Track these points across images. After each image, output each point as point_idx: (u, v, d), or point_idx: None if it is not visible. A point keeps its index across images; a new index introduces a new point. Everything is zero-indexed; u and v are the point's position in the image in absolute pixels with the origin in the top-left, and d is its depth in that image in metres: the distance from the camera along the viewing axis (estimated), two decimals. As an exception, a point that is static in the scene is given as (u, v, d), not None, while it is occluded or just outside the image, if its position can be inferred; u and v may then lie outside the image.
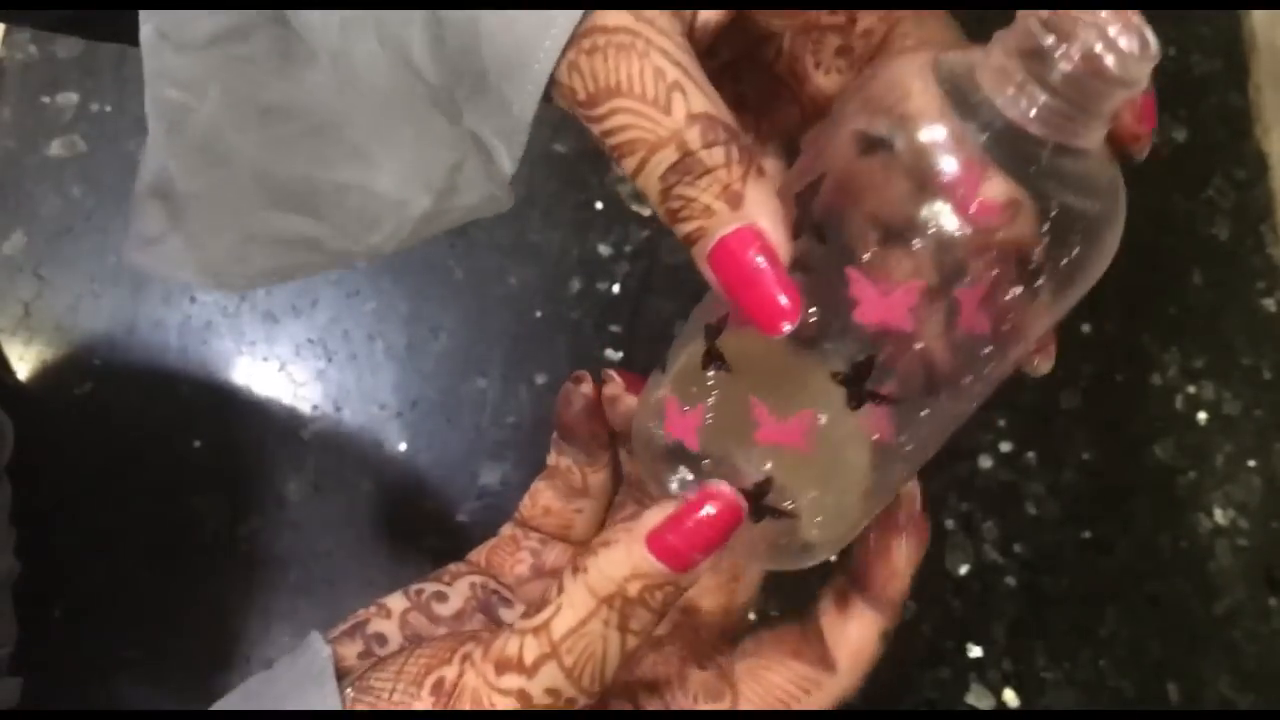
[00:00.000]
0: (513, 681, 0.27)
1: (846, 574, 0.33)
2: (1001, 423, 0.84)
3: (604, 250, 0.87)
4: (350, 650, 0.32)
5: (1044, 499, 0.83)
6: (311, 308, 0.84)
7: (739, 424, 0.28)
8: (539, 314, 0.85)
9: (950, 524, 0.82)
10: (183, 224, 0.30)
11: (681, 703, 0.32)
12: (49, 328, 0.83)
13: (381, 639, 0.32)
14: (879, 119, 0.26)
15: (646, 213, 0.88)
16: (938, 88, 0.26)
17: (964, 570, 0.81)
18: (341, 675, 0.30)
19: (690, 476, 0.29)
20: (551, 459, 0.36)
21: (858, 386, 0.27)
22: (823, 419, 0.27)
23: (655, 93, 0.25)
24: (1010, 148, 0.26)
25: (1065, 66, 0.25)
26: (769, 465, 0.28)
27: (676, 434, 0.29)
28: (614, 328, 0.84)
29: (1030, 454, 0.84)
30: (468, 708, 0.27)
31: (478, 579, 0.35)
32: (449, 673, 0.28)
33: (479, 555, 0.36)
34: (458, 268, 0.86)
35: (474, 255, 0.86)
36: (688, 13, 0.26)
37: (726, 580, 0.35)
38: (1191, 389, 0.86)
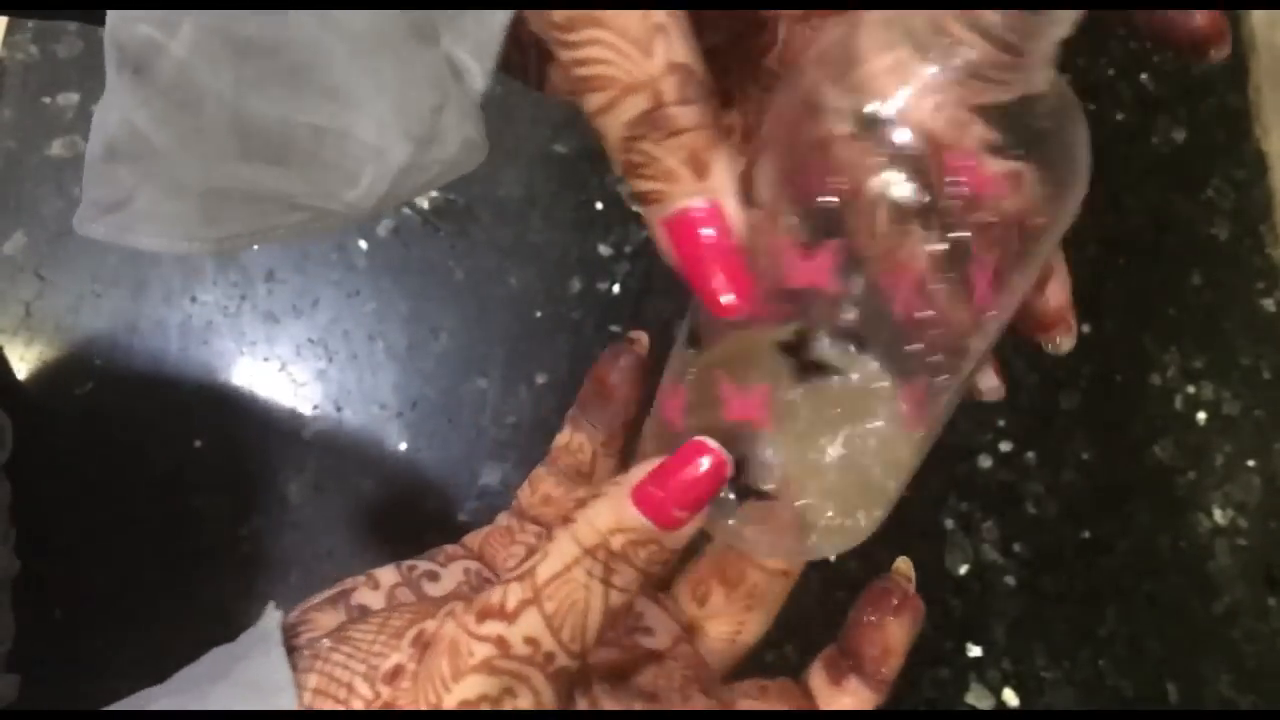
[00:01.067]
0: (493, 628, 0.27)
1: (839, 643, 0.33)
2: (1001, 423, 0.84)
3: (604, 250, 0.87)
4: (330, 619, 0.31)
5: (1044, 499, 0.83)
6: (312, 308, 0.84)
7: (710, 401, 0.28)
8: (539, 314, 0.85)
9: (950, 524, 0.82)
10: (147, 184, 0.29)
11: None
12: (50, 328, 0.83)
13: (365, 611, 0.32)
14: (840, 90, 0.26)
15: (646, 213, 0.88)
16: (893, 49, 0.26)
17: (964, 570, 0.81)
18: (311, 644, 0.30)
19: None
20: (561, 438, 0.35)
21: (802, 355, 0.27)
22: (777, 392, 0.27)
23: (638, 32, 0.24)
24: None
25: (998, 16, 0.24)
26: (742, 444, 0.28)
27: (666, 415, 0.29)
28: (614, 328, 0.84)
29: (1030, 454, 0.84)
30: (444, 656, 0.27)
31: (472, 565, 0.34)
32: (430, 625, 0.28)
33: (474, 541, 0.36)
34: (458, 268, 0.86)
35: (474, 255, 0.86)
36: None
37: (738, 610, 0.35)
38: (1191, 389, 0.86)
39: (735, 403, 0.27)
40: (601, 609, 0.27)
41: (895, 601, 0.32)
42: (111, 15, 0.27)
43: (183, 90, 0.27)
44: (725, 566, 0.34)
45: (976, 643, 0.80)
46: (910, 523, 0.85)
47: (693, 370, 0.28)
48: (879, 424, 0.29)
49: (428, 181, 0.29)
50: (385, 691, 0.27)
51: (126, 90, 0.27)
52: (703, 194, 0.24)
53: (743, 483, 0.28)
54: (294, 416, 0.82)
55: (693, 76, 0.24)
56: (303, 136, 0.27)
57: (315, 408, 0.82)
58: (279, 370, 0.83)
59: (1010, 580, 0.81)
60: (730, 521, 0.28)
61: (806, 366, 0.27)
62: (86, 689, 0.72)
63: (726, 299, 0.24)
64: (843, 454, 0.28)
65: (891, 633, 0.32)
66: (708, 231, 0.24)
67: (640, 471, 0.27)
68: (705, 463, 0.27)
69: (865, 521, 0.31)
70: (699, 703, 0.31)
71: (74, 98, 0.88)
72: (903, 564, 0.32)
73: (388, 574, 0.33)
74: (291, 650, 0.29)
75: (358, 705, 0.27)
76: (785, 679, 0.33)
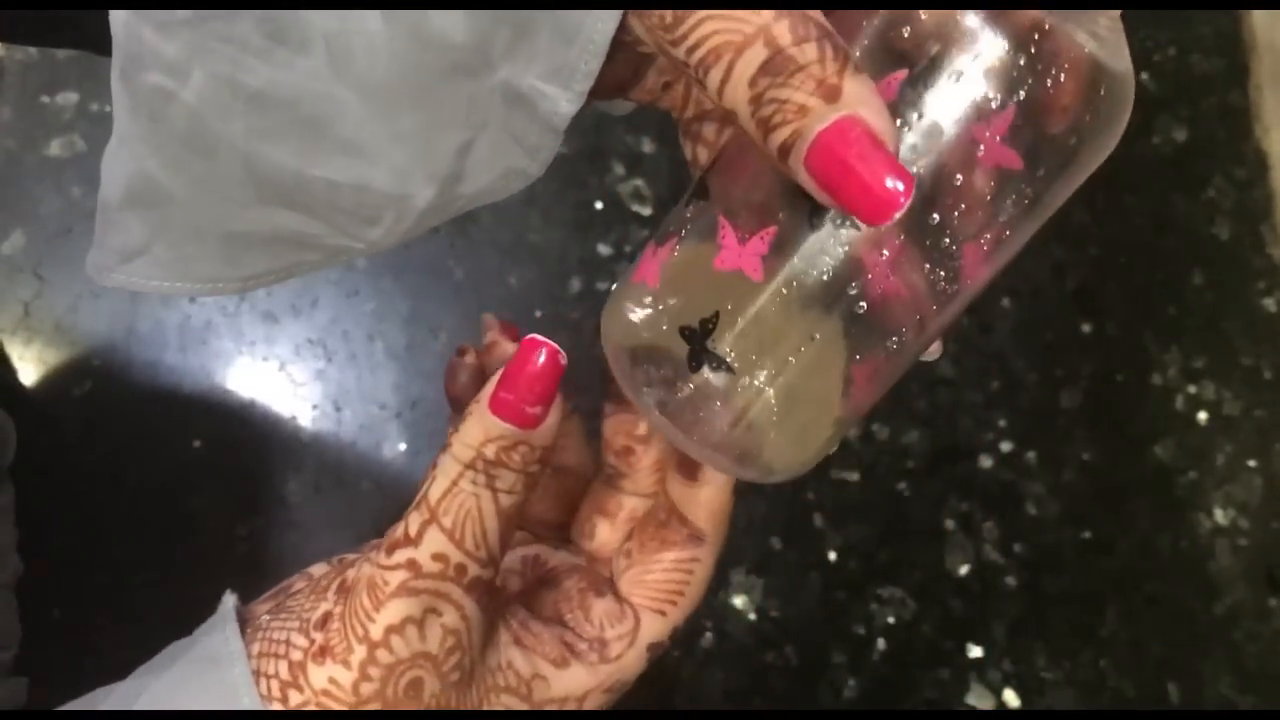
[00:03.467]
0: (401, 555, 0.29)
1: (676, 462, 0.33)
2: (1001, 423, 0.84)
3: (604, 250, 0.87)
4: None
5: (1044, 499, 0.83)
6: (311, 308, 0.84)
7: (702, 250, 0.27)
8: (539, 314, 0.85)
9: (950, 524, 0.82)
10: (166, 231, 0.29)
11: (588, 632, 0.32)
12: (49, 328, 0.83)
13: None
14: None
15: (647, 212, 0.88)
16: None
17: (964, 570, 0.81)
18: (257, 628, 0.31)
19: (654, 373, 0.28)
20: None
21: (820, 215, 0.26)
22: (781, 244, 0.26)
23: None
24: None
25: None
26: (719, 300, 0.27)
27: (640, 277, 0.28)
28: (614, 328, 0.84)
29: (1030, 454, 0.84)
30: (363, 592, 0.29)
31: None
32: (351, 573, 0.30)
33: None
34: (458, 268, 0.86)
35: (474, 255, 0.86)
36: None
37: (622, 538, 0.35)
38: (1192, 389, 0.86)
39: (731, 249, 0.26)
40: (495, 512, 0.29)
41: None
42: (118, 61, 0.26)
43: (196, 137, 0.26)
44: (603, 501, 0.35)
45: (977, 643, 0.80)
46: (910, 523, 0.85)
47: (690, 223, 0.27)
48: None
49: (459, 209, 0.29)
50: (318, 636, 0.29)
51: (140, 137, 0.27)
52: (836, 114, 0.23)
53: (704, 347, 0.27)
54: (293, 416, 0.82)
55: (805, 18, 0.23)
56: (317, 186, 0.27)
57: (314, 408, 0.82)
58: (278, 370, 0.83)
59: (1011, 580, 0.81)
60: (676, 394, 0.27)
61: (821, 213, 0.25)
62: (84, 688, 0.72)
63: (884, 199, 0.22)
64: (820, 348, 0.27)
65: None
66: (849, 141, 0.22)
67: (491, 385, 0.29)
68: (541, 356, 0.28)
69: (807, 448, 0.29)
70: (597, 607, 0.33)
71: (73, 97, 0.88)
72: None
73: (320, 569, 0.33)
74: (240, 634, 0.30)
75: (296, 656, 0.29)
76: (639, 528, 0.34)
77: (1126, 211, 0.90)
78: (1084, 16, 0.26)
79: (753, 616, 0.78)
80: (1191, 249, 0.90)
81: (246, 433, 0.81)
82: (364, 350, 0.84)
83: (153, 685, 0.29)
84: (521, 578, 0.35)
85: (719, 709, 0.76)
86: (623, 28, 0.25)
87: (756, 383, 0.27)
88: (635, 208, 0.88)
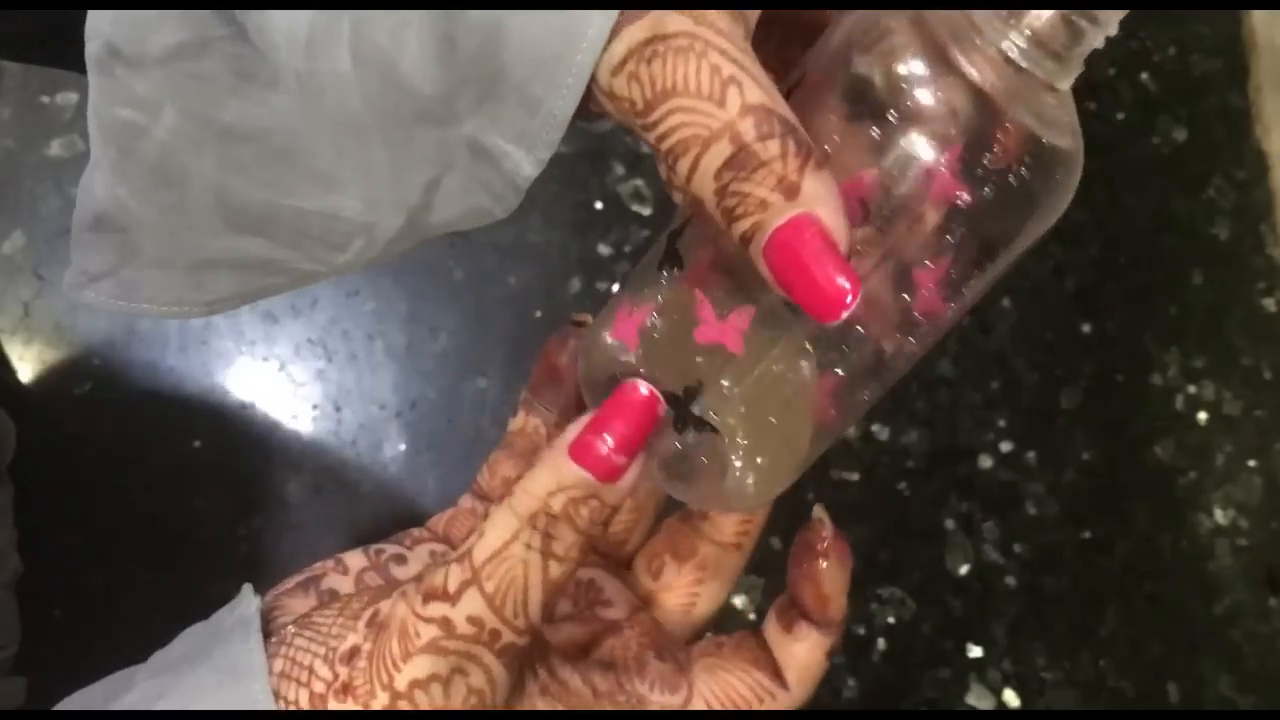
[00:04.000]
0: (437, 609, 0.27)
1: (785, 596, 0.33)
2: (1001, 423, 0.84)
3: (604, 250, 0.87)
4: (301, 605, 0.32)
5: (1044, 499, 0.83)
6: (311, 308, 0.84)
7: (681, 322, 0.28)
8: (539, 314, 0.85)
9: (950, 524, 0.82)
10: (134, 255, 0.29)
11: (637, 688, 0.31)
12: (49, 328, 0.83)
13: (334, 596, 0.32)
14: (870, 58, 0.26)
15: (647, 212, 0.88)
16: (923, 29, 0.26)
17: (964, 570, 0.81)
18: (283, 629, 0.30)
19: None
20: (516, 422, 0.35)
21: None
22: (759, 320, 0.27)
23: (710, 89, 0.24)
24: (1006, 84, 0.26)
25: (1045, 12, 0.25)
26: (701, 369, 0.28)
27: (618, 335, 0.29)
28: (614, 328, 0.84)
29: (1030, 454, 0.84)
30: (394, 637, 0.28)
31: (438, 547, 0.35)
32: (385, 606, 0.29)
33: (438, 524, 0.36)
34: (458, 268, 0.86)
35: (474, 255, 0.86)
36: (750, 13, 0.26)
37: (690, 583, 0.35)
38: (1192, 389, 0.86)
39: (710, 325, 0.27)
40: (541, 583, 0.27)
41: (820, 546, 0.32)
42: (93, 94, 0.27)
43: (166, 169, 0.27)
44: (677, 541, 0.35)
45: (977, 643, 0.80)
46: (910, 523, 0.86)
47: (666, 291, 0.28)
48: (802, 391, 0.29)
49: (426, 237, 0.29)
50: (343, 672, 0.28)
51: (111, 166, 0.27)
52: (793, 211, 0.23)
53: (690, 411, 0.27)
54: (293, 416, 0.82)
55: (770, 113, 0.24)
56: (287, 215, 0.27)
57: (314, 408, 0.82)
58: (278, 370, 0.83)
59: (1011, 580, 0.81)
60: (663, 450, 0.28)
61: (792, 305, 0.26)
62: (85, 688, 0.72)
63: (831, 299, 0.23)
64: (792, 399, 0.28)
65: (827, 576, 0.32)
66: (802, 240, 0.23)
67: (575, 428, 0.27)
68: (640, 401, 0.27)
69: (780, 484, 0.30)
70: (653, 667, 0.32)
71: (73, 97, 0.88)
72: (818, 510, 0.32)
73: (356, 558, 0.33)
74: (266, 636, 0.29)
75: (319, 687, 0.28)
76: (742, 632, 0.34)
77: (1126, 211, 0.90)
78: (1031, 97, 0.27)
79: (753, 616, 0.79)
80: (1191, 249, 0.90)
81: (246, 433, 0.81)
82: (364, 350, 0.84)
83: (172, 691, 0.29)
84: (573, 602, 0.34)
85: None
86: (591, 99, 0.25)
87: (739, 440, 0.28)
88: (635, 208, 0.88)
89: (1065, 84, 0.27)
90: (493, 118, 0.26)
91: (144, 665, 0.31)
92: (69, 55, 0.30)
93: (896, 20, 0.26)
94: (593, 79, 0.25)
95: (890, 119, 0.26)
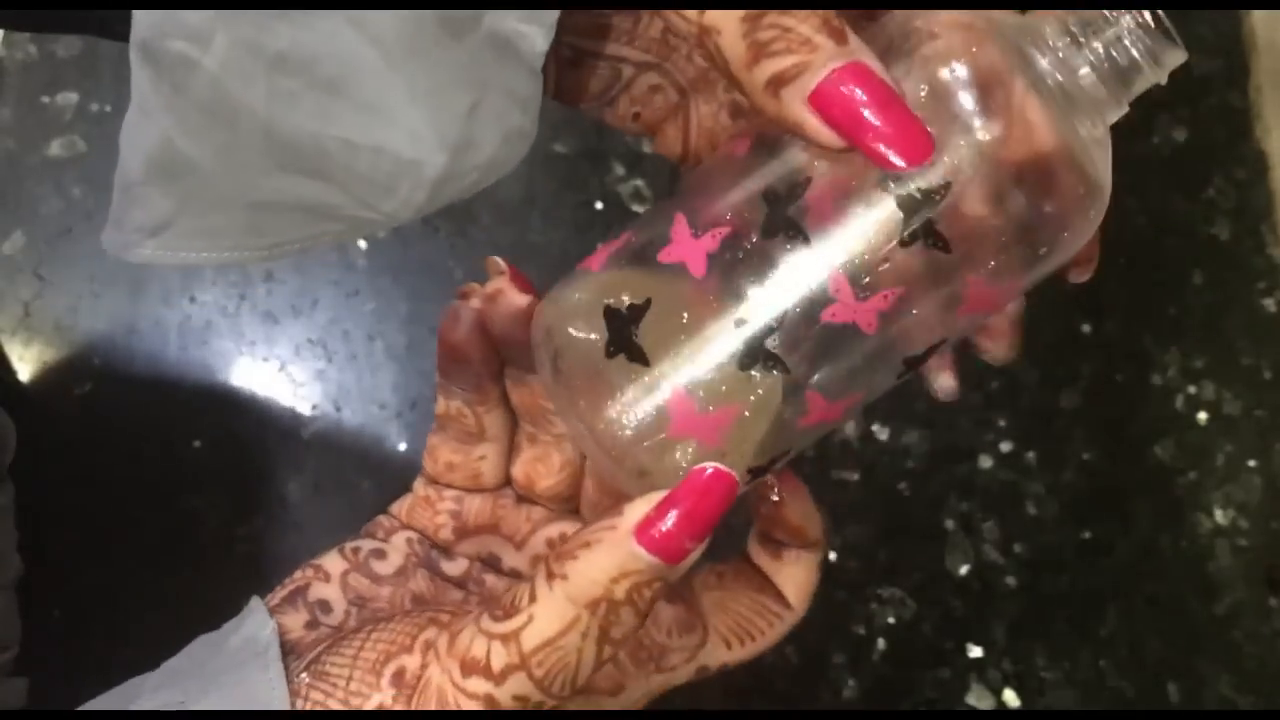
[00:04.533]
0: (479, 686, 0.26)
1: (757, 536, 0.33)
2: (1001, 423, 0.84)
3: (604, 250, 0.87)
4: (295, 621, 0.31)
5: (1044, 499, 0.83)
6: (311, 308, 0.84)
7: (652, 243, 0.27)
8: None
9: (950, 524, 0.82)
10: (191, 201, 0.28)
11: (655, 637, 0.31)
12: (49, 328, 0.83)
13: (325, 605, 0.32)
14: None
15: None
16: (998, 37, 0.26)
17: (964, 570, 0.81)
18: (288, 651, 0.29)
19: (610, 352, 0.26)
20: (440, 406, 0.33)
21: (774, 225, 0.25)
22: (733, 236, 0.25)
23: None
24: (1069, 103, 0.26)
25: (1115, 34, 0.25)
26: (654, 289, 0.26)
27: (586, 264, 0.28)
28: (614, 328, 0.84)
29: (1030, 454, 0.84)
30: (433, 706, 0.26)
31: (411, 534, 0.34)
32: (410, 663, 0.27)
33: (400, 510, 0.35)
34: (458, 268, 0.86)
35: (474, 255, 0.86)
36: None
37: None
38: (1192, 389, 0.86)
39: (680, 244, 0.26)
40: (594, 664, 0.26)
41: (770, 485, 0.31)
42: (139, 30, 0.26)
43: (218, 104, 0.26)
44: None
45: (977, 643, 0.80)
46: (910, 523, 0.86)
47: (650, 215, 0.27)
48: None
49: (468, 186, 0.29)
50: None
51: (162, 107, 0.27)
52: (847, 56, 0.23)
53: (628, 332, 0.26)
54: (293, 416, 0.82)
55: None
56: (336, 150, 0.27)
57: (315, 408, 0.82)
58: (278, 370, 0.83)
59: (1011, 581, 0.81)
60: (587, 380, 0.26)
61: (769, 228, 0.25)
62: (85, 688, 0.71)
63: (913, 145, 0.23)
64: (747, 378, 0.25)
65: (789, 510, 0.32)
66: (864, 89, 0.22)
67: (638, 511, 0.25)
68: (719, 485, 0.25)
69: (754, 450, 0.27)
70: (665, 612, 0.31)
71: (73, 97, 0.88)
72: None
73: (335, 562, 0.32)
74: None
75: None
76: (736, 560, 0.33)
77: (1126, 211, 0.90)
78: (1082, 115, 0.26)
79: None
80: (1191, 249, 0.90)
81: (246, 433, 0.81)
82: (364, 350, 0.84)
83: (191, 707, 0.28)
84: None
85: (719, 709, 0.76)
86: None
87: (666, 382, 0.25)
88: (635, 208, 0.88)
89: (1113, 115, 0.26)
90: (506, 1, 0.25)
91: (153, 676, 0.31)
92: (88, 15, 0.30)
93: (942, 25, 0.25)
94: None
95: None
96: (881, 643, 0.79)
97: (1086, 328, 0.88)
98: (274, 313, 0.84)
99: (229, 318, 0.84)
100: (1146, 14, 0.26)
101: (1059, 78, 0.26)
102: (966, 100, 0.25)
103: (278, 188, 0.28)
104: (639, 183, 0.88)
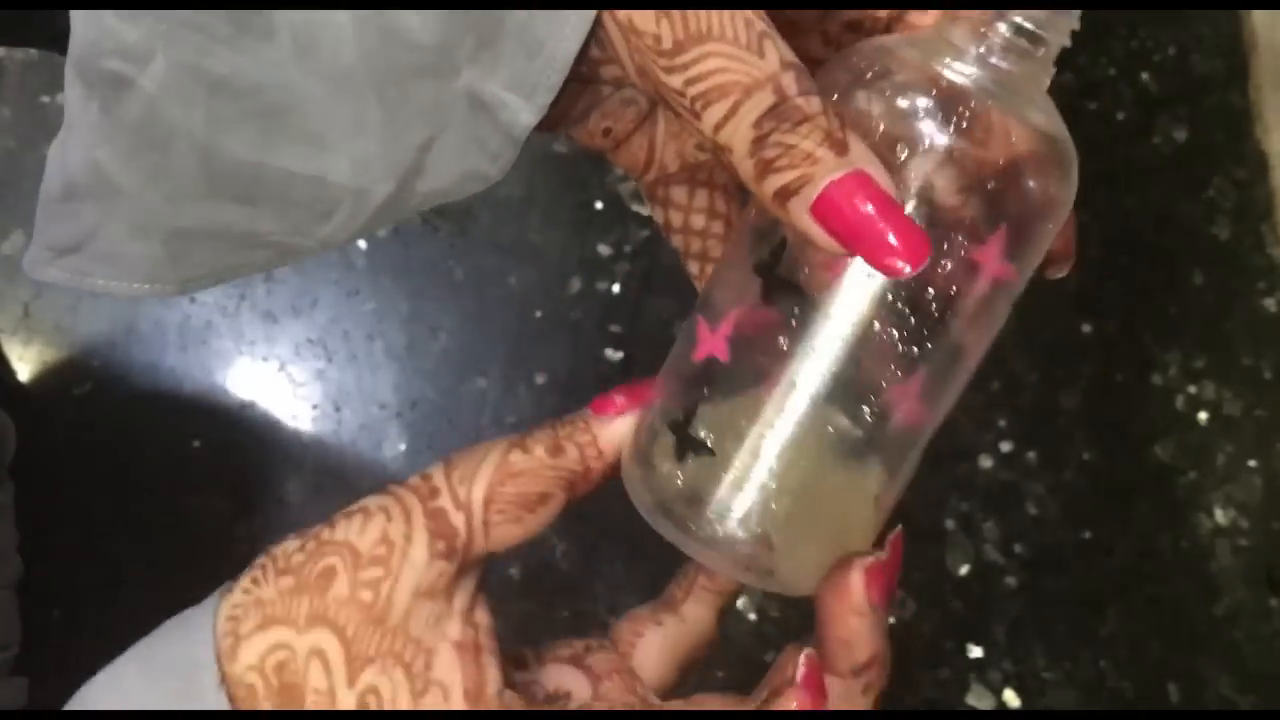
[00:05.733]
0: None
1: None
2: (1001, 423, 0.84)
3: (604, 250, 0.87)
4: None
5: (1044, 499, 0.83)
6: (311, 308, 0.84)
7: (684, 352, 0.28)
8: (539, 314, 0.85)
9: (950, 524, 0.82)
10: (109, 224, 0.28)
11: None
12: (49, 328, 0.83)
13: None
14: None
15: (647, 212, 0.88)
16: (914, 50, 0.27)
17: (964, 570, 0.81)
18: None
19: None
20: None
21: (771, 297, 0.27)
22: (742, 317, 0.27)
23: (747, 39, 0.24)
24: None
25: (1015, 18, 0.26)
26: (698, 389, 0.27)
27: (653, 393, 0.29)
28: (614, 328, 0.84)
29: (1030, 454, 0.84)
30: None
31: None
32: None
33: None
34: (458, 268, 0.86)
35: (474, 255, 0.86)
36: None
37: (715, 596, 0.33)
38: (1192, 389, 0.86)
39: (704, 341, 0.27)
40: None
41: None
42: (75, 46, 0.25)
43: (151, 128, 0.26)
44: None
45: (977, 643, 0.80)
46: (911, 523, 0.85)
47: (682, 332, 0.28)
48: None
49: (414, 208, 0.29)
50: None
51: (91, 126, 0.26)
52: (848, 167, 0.24)
53: (688, 432, 0.27)
54: (293, 416, 0.82)
55: (806, 74, 0.24)
56: (274, 179, 0.26)
57: (314, 408, 0.82)
58: (278, 370, 0.83)
59: (1011, 581, 0.81)
60: (671, 493, 0.27)
61: (770, 300, 0.26)
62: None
63: (904, 257, 0.23)
64: (807, 438, 0.27)
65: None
66: (863, 199, 0.23)
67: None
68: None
69: (820, 554, 0.28)
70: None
71: (73, 97, 0.88)
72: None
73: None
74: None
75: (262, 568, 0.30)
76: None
77: (1126, 211, 0.90)
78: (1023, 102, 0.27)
79: (753, 616, 0.79)
80: (1191, 249, 0.90)
81: (246, 433, 0.81)
82: (364, 350, 0.84)
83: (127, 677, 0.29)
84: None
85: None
86: (597, 42, 0.25)
87: (738, 463, 0.27)
88: (635, 208, 0.88)
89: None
90: (492, 65, 0.25)
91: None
92: (51, 31, 0.29)
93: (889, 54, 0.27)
94: (610, 14, 0.25)
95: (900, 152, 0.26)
96: (881, 643, 0.79)
97: (1086, 328, 0.88)
98: (273, 312, 0.84)
99: (229, 318, 0.84)
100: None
101: (989, 75, 0.26)
102: (928, 125, 0.26)
103: (205, 214, 0.27)
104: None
